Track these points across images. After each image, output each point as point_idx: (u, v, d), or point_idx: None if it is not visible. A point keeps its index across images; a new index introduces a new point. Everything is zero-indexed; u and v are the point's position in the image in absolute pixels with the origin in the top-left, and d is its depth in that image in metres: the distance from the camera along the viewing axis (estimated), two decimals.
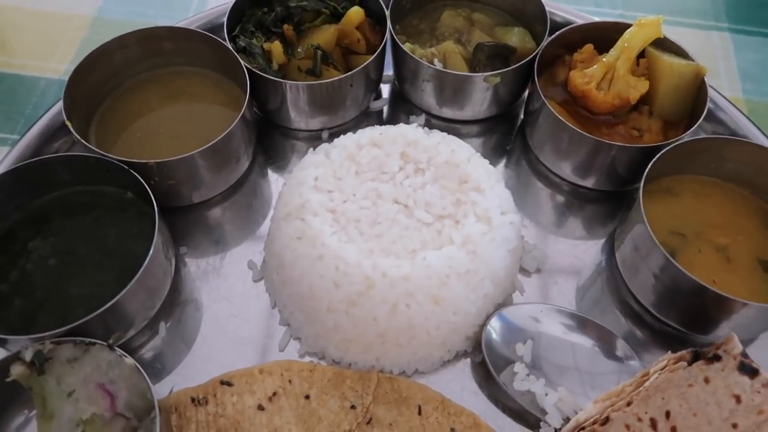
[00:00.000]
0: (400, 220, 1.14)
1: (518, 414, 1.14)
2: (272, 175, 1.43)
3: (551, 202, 1.42)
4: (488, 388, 1.17)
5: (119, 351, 1.01)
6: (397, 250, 1.11)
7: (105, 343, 1.01)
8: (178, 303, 1.24)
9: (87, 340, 1.01)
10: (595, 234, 1.38)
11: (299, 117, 1.42)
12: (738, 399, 1.04)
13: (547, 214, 1.40)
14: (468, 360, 1.20)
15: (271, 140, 1.47)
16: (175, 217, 1.31)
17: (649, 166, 1.19)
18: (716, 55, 1.72)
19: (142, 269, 1.06)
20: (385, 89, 1.57)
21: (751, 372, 1.05)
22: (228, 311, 1.23)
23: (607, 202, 1.41)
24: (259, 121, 1.47)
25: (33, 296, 1.11)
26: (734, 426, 1.02)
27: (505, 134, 1.52)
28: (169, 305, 1.22)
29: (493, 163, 1.33)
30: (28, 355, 0.99)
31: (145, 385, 0.99)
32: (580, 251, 1.34)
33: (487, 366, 1.13)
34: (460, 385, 1.17)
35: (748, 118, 1.45)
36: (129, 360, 1.00)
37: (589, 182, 1.39)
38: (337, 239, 1.11)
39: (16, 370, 0.99)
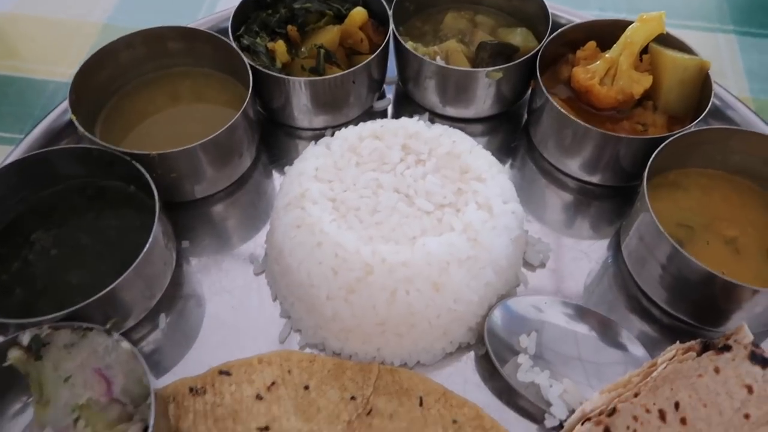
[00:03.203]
0: (400, 208, 1.13)
1: (523, 406, 1.11)
2: (275, 174, 1.44)
3: (557, 199, 1.40)
4: (492, 381, 1.14)
5: (116, 336, 1.00)
6: (397, 237, 1.10)
7: (102, 328, 1.00)
8: (179, 296, 1.23)
9: (84, 325, 1.00)
10: (601, 231, 1.36)
11: (303, 115, 1.42)
12: (750, 389, 1.01)
13: (553, 211, 1.38)
14: (471, 353, 1.18)
15: (275, 139, 1.48)
16: (177, 212, 1.32)
17: (653, 155, 1.18)
18: (722, 56, 1.71)
19: (140, 256, 1.06)
20: (389, 91, 1.58)
21: (763, 362, 1.02)
22: (229, 304, 1.22)
23: (613, 199, 1.39)
24: (263, 121, 1.48)
25: (34, 286, 1.12)
26: (746, 416, 0.99)
27: (509, 133, 1.51)
28: (170, 298, 1.22)
29: (498, 161, 1.31)
30: (25, 340, 0.98)
31: (141, 371, 0.98)
32: (586, 248, 1.32)
33: (491, 357, 1.11)
34: (462, 378, 1.15)
35: (756, 113, 1.43)
36: (126, 344, 0.99)
37: (594, 178, 1.38)
38: (336, 226, 1.10)
39: (13, 355, 0.98)
